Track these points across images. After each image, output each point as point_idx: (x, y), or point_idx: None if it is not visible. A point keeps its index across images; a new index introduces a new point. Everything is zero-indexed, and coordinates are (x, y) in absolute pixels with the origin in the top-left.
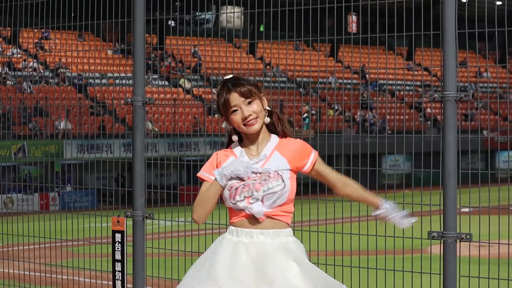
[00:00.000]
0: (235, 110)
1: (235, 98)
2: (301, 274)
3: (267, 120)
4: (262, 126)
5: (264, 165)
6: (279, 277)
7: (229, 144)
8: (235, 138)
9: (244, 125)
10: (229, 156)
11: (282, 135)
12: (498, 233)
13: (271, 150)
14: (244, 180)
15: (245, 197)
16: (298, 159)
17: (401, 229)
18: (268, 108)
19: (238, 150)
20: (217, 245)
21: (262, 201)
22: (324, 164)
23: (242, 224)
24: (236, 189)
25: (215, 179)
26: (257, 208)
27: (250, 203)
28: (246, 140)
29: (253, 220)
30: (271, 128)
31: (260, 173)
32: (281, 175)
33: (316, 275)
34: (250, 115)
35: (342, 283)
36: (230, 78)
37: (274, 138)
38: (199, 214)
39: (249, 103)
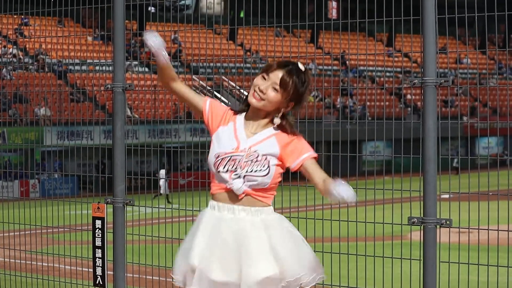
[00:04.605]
0: (264, 77)
1: (276, 74)
2: (273, 256)
3: (277, 121)
4: (261, 111)
5: (255, 146)
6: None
7: (241, 108)
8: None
9: (253, 91)
10: (232, 119)
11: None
12: (478, 219)
13: (269, 134)
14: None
15: (228, 170)
16: (290, 153)
17: (381, 215)
18: (281, 114)
19: (240, 120)
20: (198, 221)
21: (243, 178)
22: (315, 165)
23: (222, 198)
24: (222, 159)
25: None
26: (238, 185)
27: (231, 177)
28: (250, 112)
29: (234, 195)
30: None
31: (248, 151)
32: (268, 160)
33: (301, 253)
34: (262, 91)
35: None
36: (299, 66)
37: (277, 128)
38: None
39: (274, 88)
